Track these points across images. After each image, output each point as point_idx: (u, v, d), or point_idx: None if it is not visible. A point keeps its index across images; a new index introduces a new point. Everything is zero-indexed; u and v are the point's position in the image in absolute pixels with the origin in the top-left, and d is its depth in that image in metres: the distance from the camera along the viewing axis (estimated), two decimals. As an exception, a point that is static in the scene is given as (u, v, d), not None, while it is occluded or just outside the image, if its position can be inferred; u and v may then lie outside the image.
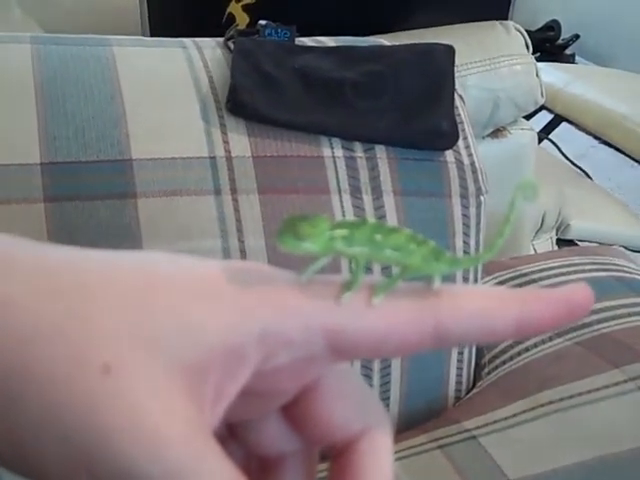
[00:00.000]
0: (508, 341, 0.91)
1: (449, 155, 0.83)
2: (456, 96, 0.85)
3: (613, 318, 0.89)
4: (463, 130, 0.85)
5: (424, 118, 0.81)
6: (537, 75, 1.16)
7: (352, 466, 0.28)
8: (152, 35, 1.30)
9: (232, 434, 0.30)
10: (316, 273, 0.27)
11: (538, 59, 2.81)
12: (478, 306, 0.27)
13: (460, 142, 0.84)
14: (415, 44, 0.86)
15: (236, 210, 0.77)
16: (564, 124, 1.90)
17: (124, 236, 0.75)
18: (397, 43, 0.89)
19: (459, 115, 0.85)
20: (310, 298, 0.26)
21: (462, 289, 0.28)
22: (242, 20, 1.35)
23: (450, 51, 0.84)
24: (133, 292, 0.24)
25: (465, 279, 0.85)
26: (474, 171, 0.84)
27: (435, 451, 0.77)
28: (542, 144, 1.91)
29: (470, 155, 0.85)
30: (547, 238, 1.41)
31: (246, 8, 1.36)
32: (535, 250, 1.37)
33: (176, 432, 0.23)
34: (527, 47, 1.17)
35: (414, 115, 0.81)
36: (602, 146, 2.10)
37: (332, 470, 0.29)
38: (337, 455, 0.29)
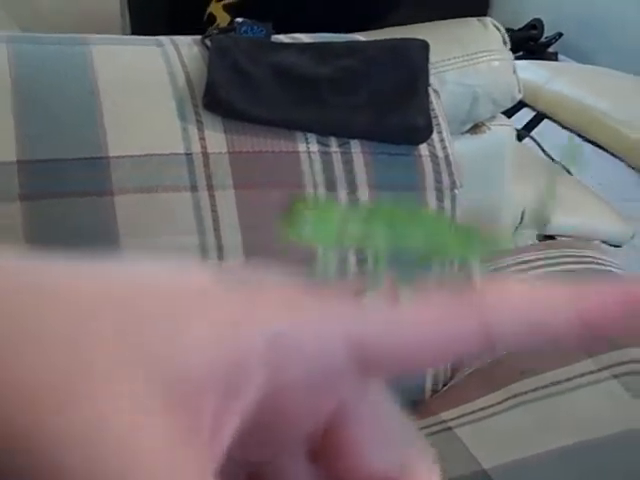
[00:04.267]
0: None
1: (423, 149, 0.84)
2: (431, 91, 0.86)
3: (588, 309, 0.89)
4: (438, 124, 0.86)
5: (398, 113, 0.82)
6: (514, 71, 1.17)
7: None
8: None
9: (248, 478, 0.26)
10: (329, 272, 0.23)
11: (521, 57, 2.83)
12: (531, 301, 0.23)
13: (435, 136, 0.85)
14: (390, 40, 0.87)
15: (212, 206, 0.78)
16: (548, 121, 1.91)
17: (101, 233, 0.76)
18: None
19: (433, 110, 0.86)
20: (323, 300, 0.22)
21: (507, 282, 0.24)
22: (223, 20, 1.36)
23: (424, 46, 0.85)
24: (116, 307, 0.21)
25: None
26: (448, 165, 0.85)
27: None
28: (525, 141, 1.92)
29: (444, 149, 0.86)
30: (527, 234, 1.42)
31: (227, 8, 1.37)
32: (515, 245, 1.38)
33: (163, 473, 0.19)
34: (505, 43, 1.18)
35: (388, 110, 0.82)
36: (585, 143, 2.12)
37: None
38: None
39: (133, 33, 1.34)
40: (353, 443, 0.24)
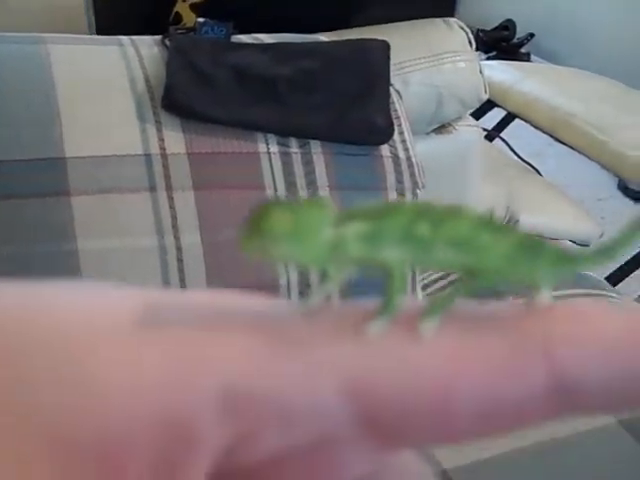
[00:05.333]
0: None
1: (385, 149, 0.84)
2: (392, 91, 0.86)
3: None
4: (399, 125, 0.86)
5: (358, 113, 0.81)
6: (480, 72, 1.17)
7: None
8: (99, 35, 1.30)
9: None
10: (322, 293, 0.17)
11: (494, 58, 2.84)
12: (631, 333, 0.15)
13: (396, 136, 0.85)
14: (350, 40, 0.86)
15: (171, 207, 0.77)
16: (521, 121, 1.92)
17: (59, 234, 0.75)
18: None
19: (395, 110, 0.86)
20: (312, 337, 0.15)
21: (587, 307, 0.16)
22: (189, 19, 1.35)
23: (385, 47, 0.85)
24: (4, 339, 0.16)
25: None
26: (410, 165, 0.85)
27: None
28: (497, 141, 1.93)
29: (406, 149, 0.86)
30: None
31: (193, 7, 1.36)
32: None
33: None
34: (470, 44, 1.18)
35: (349, 110, 0.81)
36: (558, 143, 2.13)
37: None
38: None
39: (98, 32, 1.32)
40: None
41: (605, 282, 1.05)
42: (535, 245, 0.17)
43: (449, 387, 0.15)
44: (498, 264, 0.17)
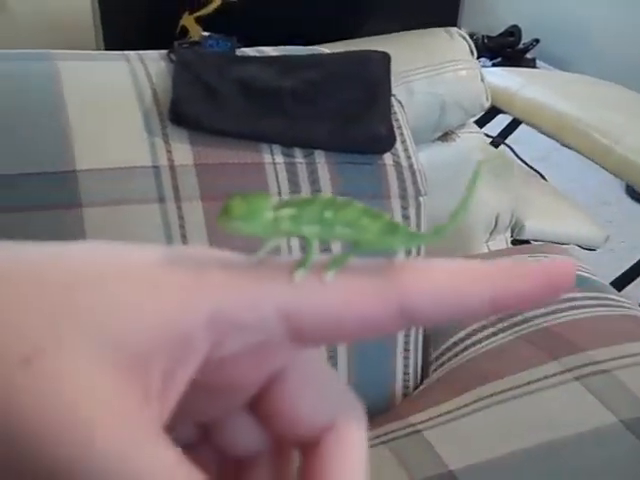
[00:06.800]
0: (454, 338, 0.94)
1: (387, 158, 0.86)
2: (394, 101, 0.88)
3: (553, 312, 0.91)
4: (401, 134, 0.87)
5: (361, 123, 0.83)
6: (482, 79, 1.19)
7: (319, 462, 0.27)
8: (107, 50, 1.32)
9: (205, 437, 0.29)
10: (268, 255, 0.26)
11: (499, 64, 2.85)
12: (448, 281, 0.25)
13: (398, 145, 0.86)
14: (352, 52, 0.88)
15: (180, 217, 0.79)
16: (526, 127, 1.93)
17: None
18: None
19: (397, 120, 0.88)
20: (260, 278, 0.25)
21: (428, 264, 0.26)
22: (195, 32, 1.37)
23: (385, 58, 0.87)
24: (56, 280, 0.23)
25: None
26: (413, 173, 0.87)
27: (380, 446, 0.79)
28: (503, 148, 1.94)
29: (409, 157, 0.87)
30: (502, 239, 1.44)
31: (199, 20, 1.38)
32: (489, 250, 1.40)
33: (107, 425, 0.21)
34: (471, 52, 1.20)
35: (351, 120, 0.83)
36: (564, 148, 2.14)
37: (302, 466, 0.27)
38: (306, 450, 0.27)
39: (106, 46, 1.35)
40: (290, 401, 0.27)
41: (610, 287, 1.06)
42: (395, 226, 0.27)
43: (341, 311, 0.25)
44: (372, 238, 0.26)
